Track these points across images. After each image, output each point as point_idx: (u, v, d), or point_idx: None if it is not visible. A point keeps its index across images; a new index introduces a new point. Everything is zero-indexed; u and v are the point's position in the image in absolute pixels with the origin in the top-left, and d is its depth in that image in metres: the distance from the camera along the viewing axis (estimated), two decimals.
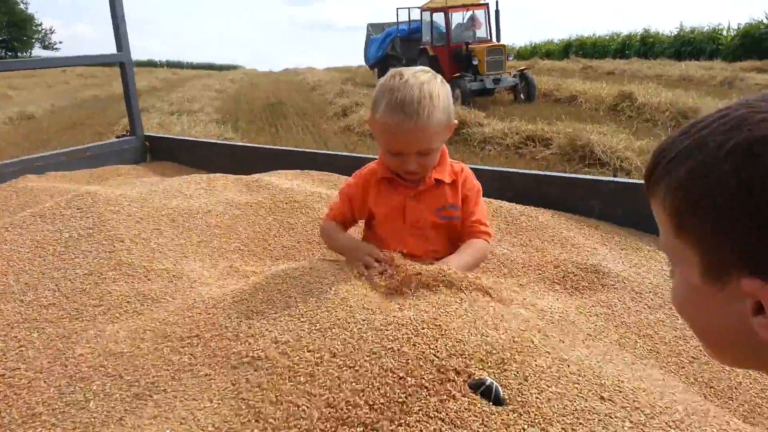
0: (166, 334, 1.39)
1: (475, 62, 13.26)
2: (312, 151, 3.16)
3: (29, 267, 1.74)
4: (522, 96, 13.39)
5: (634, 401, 0.99)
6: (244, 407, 1.09)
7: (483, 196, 2.27)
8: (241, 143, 4.55)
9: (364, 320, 1.20)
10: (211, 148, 3.41)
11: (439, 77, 1.54)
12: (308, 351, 1.15)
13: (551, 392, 0.99)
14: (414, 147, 1.49)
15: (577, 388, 1.01)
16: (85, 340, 1.44)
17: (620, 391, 1.02)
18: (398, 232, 1.61)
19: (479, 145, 9.30)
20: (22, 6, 55.55)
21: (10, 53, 53.52)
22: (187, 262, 1.81)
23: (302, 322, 1.26)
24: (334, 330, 1.19)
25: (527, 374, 1.02)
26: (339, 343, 1.15)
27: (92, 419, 1.17)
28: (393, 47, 17.84)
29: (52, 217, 1.97)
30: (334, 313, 1.25)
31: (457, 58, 13.73)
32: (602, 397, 0.99)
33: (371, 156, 2.66)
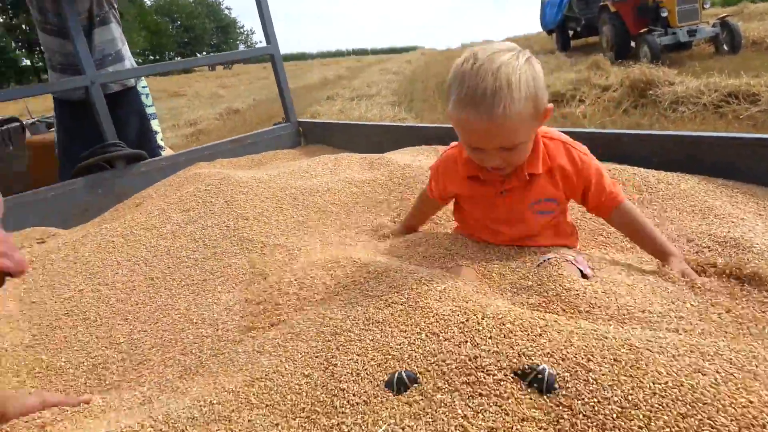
0: (278, 303, 1.45)
1: (664, 14, 11.91)
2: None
3: (169, 244, 1.96)
4: (725, 47, 11.71)
5: None
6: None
7: (623, 163, 2.06)
8: (384, 123, 4.63)
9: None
10: (357, 129, 3.52)
11: (525, 55, 1.27)
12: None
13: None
14: (493, 144, 1.28)
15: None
16: (204, 306, 1.59)
17: None
18: (487, 225, 1.51)
19: (670, 106, 8.35)
20: (226, 12, 62.52)
21: None
22: (301, 237, 1.90)
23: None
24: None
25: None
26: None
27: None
28: (570, 8, 16.76)
29: (194, 200, 2.19)
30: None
31: (642, 12, 12.44)
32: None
33: None
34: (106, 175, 3.07)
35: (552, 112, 1.33)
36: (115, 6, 3.47)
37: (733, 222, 1.56)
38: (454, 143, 1.59)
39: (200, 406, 1.05)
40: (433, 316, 1.11)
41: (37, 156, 4.00)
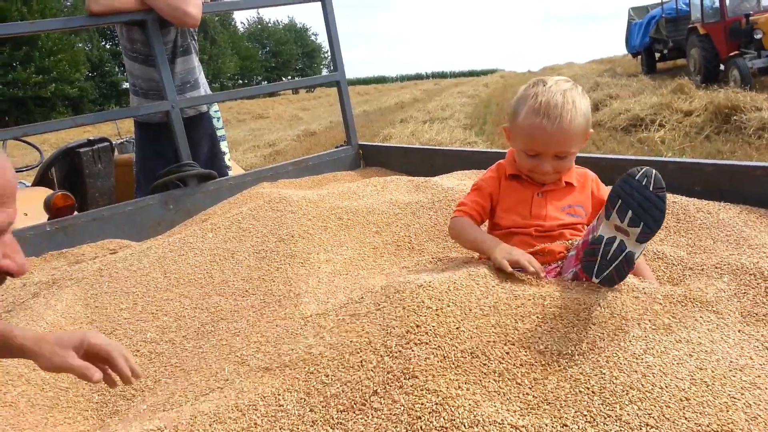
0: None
1: (758, 36, 11.34)
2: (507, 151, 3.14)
3: (219, 259, 2.12)
4: None
5: None
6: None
7: (666, 189, 2.07)
8: (437, 147, 4.71)
9: None
10: (412, 153, 3.62)
11: (580, 87, 1.59)
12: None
13: None
14: (553, 149, 1.55)
15: None
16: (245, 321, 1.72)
17: None
18: (521, 227, 1.62)
19: (755, 133, 7.94)
20: (313, 38, 64.95)
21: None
22: (339, 252, 2.01)
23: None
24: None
25: None
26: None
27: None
28: (657, 30, 16.26)
29: (249, 218, 2.36)
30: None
31: (734, 34, 11.89)
32: None
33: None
34: (179, 193, 3.32)
35: (590, 135, 1.63)
36: (196, 37, 3.77)
37: (765, 252, 1.53)
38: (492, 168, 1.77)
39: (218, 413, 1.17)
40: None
41: (121, 174, 4.36)
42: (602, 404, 0.96)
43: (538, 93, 1.54)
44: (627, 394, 0.97)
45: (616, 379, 1.01)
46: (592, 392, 0.99)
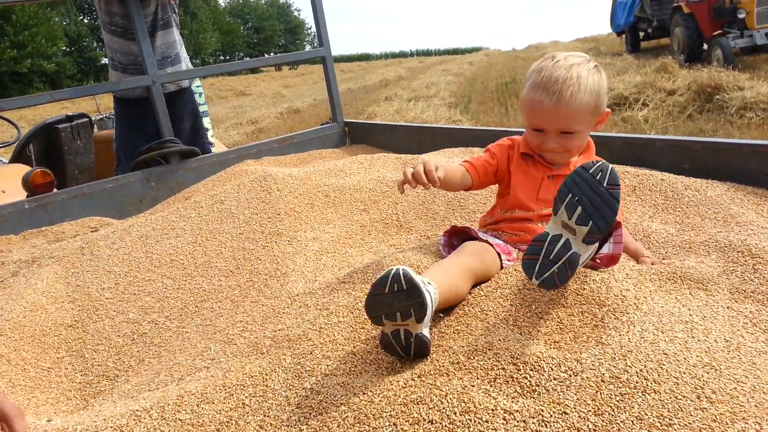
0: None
1: (741, 15, 11.38)
2: (495, 129, 3.13)
3: (204, 237, 2.08)
4: None
5: None
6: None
7: (654, 168, 2.07)
8: (424, 124, 4.68)
9: None
10: (399, 130, 3.58)
11: (594, 63, 1.53)
12: None
13: None
14: (554, 125, 1.51)
15: None
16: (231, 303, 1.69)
17: None
18: (525, 208, 1.60)
19: (737, 112, 8.00)
20: (296, 14, 63.99)
21: None
22: (326, 230, 1.99)
23: None
24: None
25: None
26: None
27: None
28: (642, 8, 16.24)
29: (234, 195, 2.31)
30: None
31: (718, 13, 11.92)
32: None
33: None
34: (161, 170, 3.26)
35: (608, 116, 1.58)
36: (177, 11, 3.67)
37: (752, 229, 1.53)
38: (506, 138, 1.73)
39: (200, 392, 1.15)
40: None
41: (101, 151, 4.27)
42: (612, 395, 0.90)
43: (544, 68, 1.51)
44: (642, 384, 0.91)
45: (631, 368, 0.94)
46: (601, 381, 0.93)
